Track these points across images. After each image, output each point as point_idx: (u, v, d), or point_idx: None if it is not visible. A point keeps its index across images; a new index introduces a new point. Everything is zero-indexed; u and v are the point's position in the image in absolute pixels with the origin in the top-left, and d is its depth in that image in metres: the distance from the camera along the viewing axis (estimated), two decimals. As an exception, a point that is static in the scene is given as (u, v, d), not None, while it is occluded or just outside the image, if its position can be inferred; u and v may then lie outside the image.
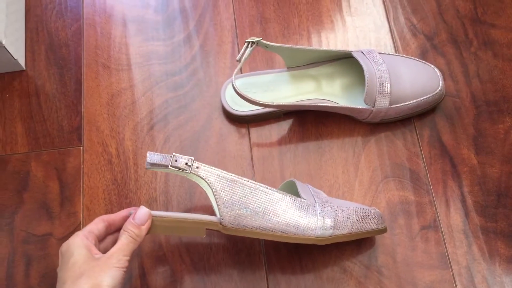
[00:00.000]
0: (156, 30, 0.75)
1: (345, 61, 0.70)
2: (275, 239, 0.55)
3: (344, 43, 0.74)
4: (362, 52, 0.66)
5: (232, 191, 0.54)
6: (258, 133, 0.69)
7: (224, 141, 0.68)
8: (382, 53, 0.68)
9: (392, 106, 0.65)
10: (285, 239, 0.55)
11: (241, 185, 0.54)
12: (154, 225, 0.54)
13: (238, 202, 0.54)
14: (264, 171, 0.67)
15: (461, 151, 0.66)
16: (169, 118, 0.70)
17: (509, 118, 0.68)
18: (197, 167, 0.53)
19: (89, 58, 0.74)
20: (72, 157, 0.68)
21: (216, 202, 0.53)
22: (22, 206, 0.66)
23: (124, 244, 0.51)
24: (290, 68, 0.70)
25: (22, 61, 0.73)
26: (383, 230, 0.60)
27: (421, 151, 0.67)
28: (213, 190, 0.53)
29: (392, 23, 0.75)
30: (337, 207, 0.57)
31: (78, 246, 0.50)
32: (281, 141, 0.68)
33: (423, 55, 0.72)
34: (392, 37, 0.74)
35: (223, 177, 0.54)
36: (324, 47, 0.74)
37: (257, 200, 0.54)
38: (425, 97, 0.65)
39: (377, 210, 0.60)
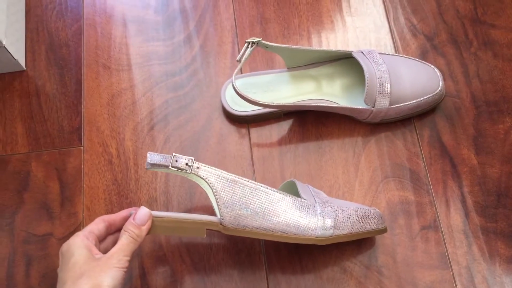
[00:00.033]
0: (156, 30, 0.75)
1: (345, 62, 0.70)
2: (275, 239, 0.55)
3: (344, 43, 0.74)
4: (362, 53, 0.67)
5: (232, 192, 0.54)
6: (258, 133, 0.69)
7: (224, 141, 0.68)
8: (382, 54, 0.68)
9: (392, 106, 0.65)
10: (285, 239, 0.55)
11: (242, 185, 0.54)
12: (155, 225, 0.54)
13: (239, 202, 0.54)
14: (264, 171, 0.67)
15: (461, 151, 0.66)
16: (169, 118, 0.70)
17: (509, 118, 0.68)
18: (198, 168, 0.53)
19: (90, 59, 0.74)
20: (72, 157, 0.68)
21: (217, 202, 0.53)
22: (22, 206, 0.66)
23: (124, 244, 0.51)
24: (290, 68, 0.70)
25: (22, 62, 0.73)
26: (383, 230, 0.60)
27: (421, 151, 0.67)
28: (214, 190, 0.53)
29: (392, 24, 0.75)
30: (337, 207, 0.57)
31: (79, 246, 0.50)
32: (281, 141, 0.68)
33: (423, 56, 0.72)
34: (392, 37, 0.74)
35: (224, 177, 0.54)
36: (324, 47, 0.74)
37: (257, 201, 0.54)
38: (425, 97, 0.65)
39: (377, 210, 0.60)
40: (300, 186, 0.59)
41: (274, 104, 0.64)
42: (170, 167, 0.53)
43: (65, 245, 0.51)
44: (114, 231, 0.56)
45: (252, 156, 0.68)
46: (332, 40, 0.74)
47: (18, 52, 0.72)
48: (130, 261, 0.51)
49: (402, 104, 0.65)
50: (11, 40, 0.71)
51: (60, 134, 0.70)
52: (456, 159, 0.66)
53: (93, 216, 0.65)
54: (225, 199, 0.53)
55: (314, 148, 0.68)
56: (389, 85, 0.64)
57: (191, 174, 0.54)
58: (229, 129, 0.69)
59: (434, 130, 0.68)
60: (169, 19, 0.76)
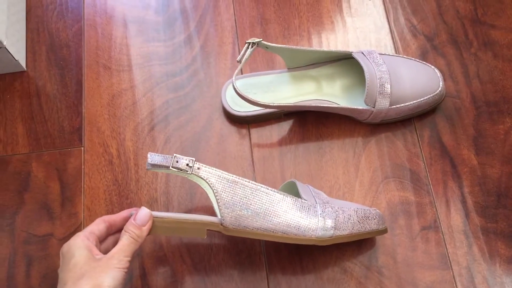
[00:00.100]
0: (156, 31, 0.75)
1: (346, 62, 0.70)
2: (276, 240, 0.55)
3: (345, 44, 0.74)
4: (362, 53, 0.67)
5: (233, 192, 0.54)
6: (259, 134, 0.69)
7: (224, 141, 0.69)
8: (383, 54, 0.68)
9: (392, 106, 0.65)
10: (286, 240, 0.55)
11: (242, 186, 0.54)
12: (155, 226, 0.54)
13: (239, 203, 0.54)
14: (265, 171, 0.67)
15: (461, 151, 0.66)
16: (170, 118, 0.70)
17: (509, 118, 0.68)
18: (198, 168, 0.53)
19: (90, 59, 0.74)
20: (73, 158, 0.68)
21: (217, 203, 0.54)
22: (23, 207, 0.66)
23: (125, 245, 0.51)
24: (290, 69, 0.70)
25: (23, 62, 0.73)
26: (384, 231, 0.60)
27: (421, 152, 0.67)
28: (214, 191, 0.53)
29: (392, 24, 0.75)
30: (338, 208, 0.57)
31: (79, 247, 0.50)
32: (282, 142, 0.68)
33: (423, 56, 0.72)
34: (392, 37, 0.74)
35: (224, 178, 0.54)
36: (325, 48, 0.74)
37: (258, 201, 0.54)
38: (425, 97, 0.65)
39: (377, 210, 0.60)
40: (301, 187, 0.59)
41: (274, 104, 0.64)
42: (170, 167, 0.53)
43: (65, 246, 0.51)
44: (115, 231, 0.56)
45: (252, 156, 0.68)
46: (333, 41, 0.74)
47: (18, 52, 0.72)
48: (131, 262, 0.51)
49: (402, 105, 0.65)
50: (11, 40, 0.71)
51: (61, 134, 0.70)
52: (456, 160, 0.66)
53: (94, 216, 0.65)
54: (225, 199, 0.53)
55: (315, 149, 0.68)
56: (389, 86, 0.64)
57: (192, 174, 0.54)
58: (230, 130, 0.69)
59: (434, 130, 0.68)
60: (170, 20, 0.76)
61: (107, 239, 0.55)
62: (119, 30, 0.76)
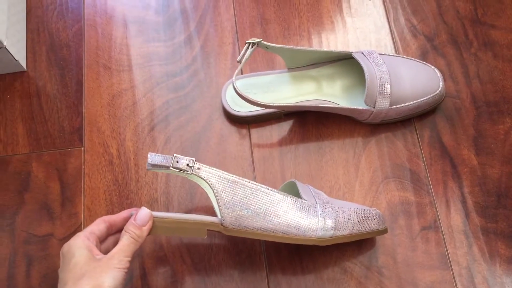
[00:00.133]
0: (156, 31, 0.75)
1: (346, 62, 0.70)
2: (276, 240, 0.55)
3: (345, 44, 0.74)
4: (362, 53, 0.67)
5: (233, 192, 0.54)
6: (259, 134, 0.69)
7: (224, 142, 0.69)
8: (383, 54, 0.68)
9: (392, 107, 0.65)
10: (286, 240, 0.55)
11: (242, 186, 0.54)
12: (155, 226, 0.54)
13: (239, 203, 0.54)
14: (265, 172, 0.67)
15: (461, 151, 0.66)
16: (170, 119, 0.70)
17: (509, 118, 0.68)
18: (198, 168, 0.53)
19: (90, 59, 0.74)
20: (73, 158, 0.68)
21: (217, 203, 0.54)
22: (23, 207, 0.66)
23: (125, 245, 0.51)
24: (290, 69, 0.70)
25: (23, 62, 0.73)
26: (384, 231, 0.60)
27: (421, 152, 0.67)
28: (214, 191, 0.53)
29: (392, 24, 0.75)
30: (338, 208, 0.57)
31: (79, 247, 0.50)
32: (282, 142, 0.68)
33: (424, 56, 0.72)
34: (393, 38, 0.74)
35: (224, 178, 0.54)
36: (325, 48, 0.74)
37: (258, 201, 0.54)
38: (425, 98, 0.66)
39: (377, 210, 0.61)
40: (301, 187, 0.59)
41: (274, 104, 0.64)
42: (171, 167, 0.53)
43: (65, 246, 0.51)
44: (115, 231, 0.56)
45: (252, 156, 0.68)
46: (333, 41, 0.74)
47: (19, 52, 0.72)
48: (131, 262, 0.51)
49: (402, 105, 0.65)
50: (12, 41, 0.71)
51: (61, 134, 0.70)
52: (456, 160, 0.66)
53: (94, 216, 0.65)
54: (226, 199, 0.53)
55: (315, 149, 0.68)
56: (389, 86, 0.64)
57: (192, 175, 0.54)
58: (230, 130, 0.69)
59: (434, 130, 0.68)
60: (170, 20, 0.76)
61: (108, 239, 0.55)
62: (119, 30, 0.76)
